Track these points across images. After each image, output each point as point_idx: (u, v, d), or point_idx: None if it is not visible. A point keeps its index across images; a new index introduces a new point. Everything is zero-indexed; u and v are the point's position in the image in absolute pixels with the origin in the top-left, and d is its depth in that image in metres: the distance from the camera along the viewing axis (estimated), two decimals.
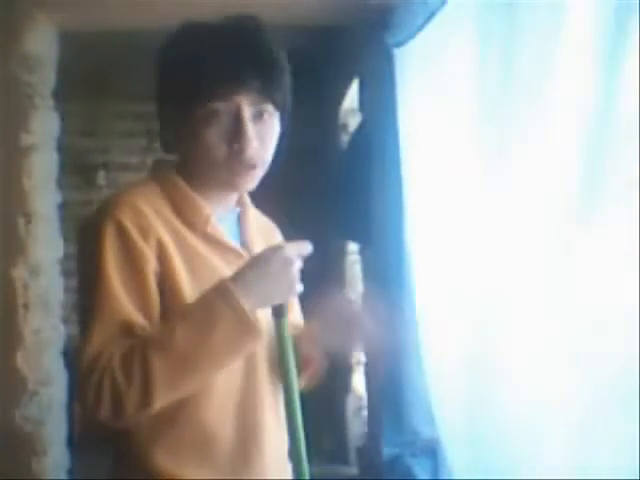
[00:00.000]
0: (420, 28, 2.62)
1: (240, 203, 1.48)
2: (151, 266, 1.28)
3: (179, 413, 1.29)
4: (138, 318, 1.26)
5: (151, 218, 1.31)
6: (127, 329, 1.25)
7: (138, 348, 1.21)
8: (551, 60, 1.75)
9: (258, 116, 1.34)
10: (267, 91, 1.33)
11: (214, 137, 1.32)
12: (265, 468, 1.37)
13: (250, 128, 1.32)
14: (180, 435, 1.30)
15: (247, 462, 1.35)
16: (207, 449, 1.32)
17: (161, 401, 1.21)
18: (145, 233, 1.29)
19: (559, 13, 1.71)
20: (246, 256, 1.39)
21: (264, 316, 1.30)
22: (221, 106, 1.31)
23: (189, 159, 1.38)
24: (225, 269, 1.35)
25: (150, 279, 1.28)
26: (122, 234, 1.27)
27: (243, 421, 1.35)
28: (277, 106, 1.36)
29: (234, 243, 1.42)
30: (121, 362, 1.21)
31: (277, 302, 1.28)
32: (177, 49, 1.36)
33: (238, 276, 1.25)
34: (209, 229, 1.37)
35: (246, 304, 1.21)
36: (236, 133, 1.31)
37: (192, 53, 1.32)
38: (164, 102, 1.38)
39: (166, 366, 1.20)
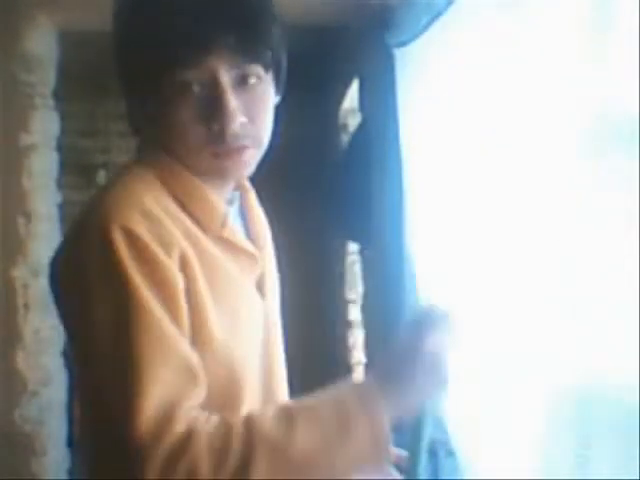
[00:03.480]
0: (424, 29, 2.61)
1: (239, 186, 1.21)
2: (181, 286, 1.01)
3: None
4: (193, 354, 0.99)
5: (167, 223, 1.03)
6: (190, 371, 0.97)
7: (236, 436, 0.93)
8: (557, 61, 1.74)
9: (241, 82, 1.06)
10: (250, 48, 1.05)
11: (187, 116, 1.04)
12: None
13: (231, 100, 1.04)
14: None
15: None
16: None
17: None
18: (167, 245, 1.01)
19: (566, 14, 1.71)
20: (258, 257, 1.17)
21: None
22: (191, 75, 1.02)
23: (166, 143, 1.09)
24: (239, 276, 1.13)
25: (183, 304, 1.01)
26: (140, 249, 0.98)
27: None
28: (266, 66, 1.08)
29: (247, 244, 1.17)
30: (209, 447, 0.91)
31: (426, 398, 1.03)
32: (130, 9, 1.07)
33: (383, 378, 0.98)
34: (226, 233, 1.12)
35: (387, 422, 0.97)
36: (213, 108, 1.03)
37: (147, 11, 1.04)
38: (122, 76, 1.10)
39: (271, 468, 0.93)
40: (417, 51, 2.76)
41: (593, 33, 1.61)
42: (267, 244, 1.26)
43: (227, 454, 0.91)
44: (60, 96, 3.33)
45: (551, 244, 1.81)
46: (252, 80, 1.06)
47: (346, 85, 4.27)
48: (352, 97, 4.26)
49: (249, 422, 0.95)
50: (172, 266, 1.00)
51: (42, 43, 3.20)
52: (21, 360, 3.09)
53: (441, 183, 2.57)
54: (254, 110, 1.07)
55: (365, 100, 3.78)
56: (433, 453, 2.83)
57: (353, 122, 4.26)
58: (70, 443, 3.44)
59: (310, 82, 4.46)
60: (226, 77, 1.04)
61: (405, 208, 2.95)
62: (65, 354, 3.29)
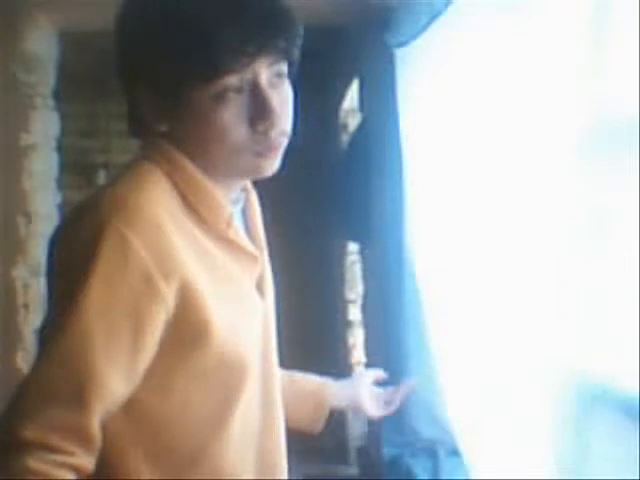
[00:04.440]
0: (424, 29, 2.61)
1: (244, 188, 1.20)
2: (158, 319, 1.00)
3: (199, 459, 1.11)
4: (101, 400, 0.98)
5: (172, 236, 1.01)
6: (80, 431, 0.97)
7: None
8: (557, 61, 1.74)
9: (276, 79, 1.07)
10: (285, 47, 1.06)
11: (229, 118, 1.03)
12: None
13: (274, 100, 1.04)
14: None
15: None
16: None
17: None
18: (166, 268, 0.99)
19: (566, 14, 1.71)
20: (259, 257, 1.17)
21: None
22: (235, 79, 1.02)
23: (191, 145, 1.08)
24: (240, 276, 1.14)
25: (147, 339, 1.00)
26: (130, 268, 0.96)
27: (262, 464, 1.19)
28: (292, 63, 1.10)
29: (249, 244, 1.17)
30: None
31: None
32: (168, 12, 1.03)
33: None
34: (231, 234, 1.11)
35: None
36: (257, 109, 1.04)
37: (187, 18, 1.01)
38: (142, 80, 1.07)
39: None
40: (417, 51, 2.76)
41: (593, 33, 1.61)
42: (264, 244, 1.27)
43: None
44: (60, 96, 3.33)
45: (550, 244, 1.81)
46: (281, 77, 1.08)
47: (346, 85, 4.27)
48: (352, 97, 4.26)
49: None
50: (165, 291, 0.98)
51: (42, 43, 3.20)
52: (21, 360, 3.09)
53: (441, 183, 2.57)
54: (284, 106, 1.08)
55: (365, 100, 3.78)
56: (433, 453, 2.83)
57: (353, 122, 4.26)
58: None
59: (310, 82, 4.46)
60: (265, 77, 1.05)
61: (405, 208, 2.95)
62: None
